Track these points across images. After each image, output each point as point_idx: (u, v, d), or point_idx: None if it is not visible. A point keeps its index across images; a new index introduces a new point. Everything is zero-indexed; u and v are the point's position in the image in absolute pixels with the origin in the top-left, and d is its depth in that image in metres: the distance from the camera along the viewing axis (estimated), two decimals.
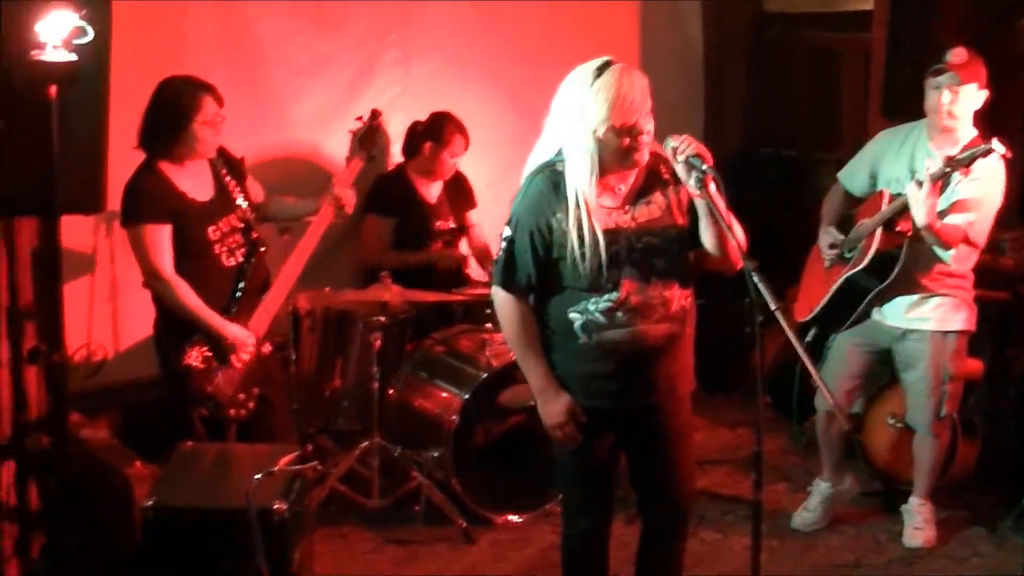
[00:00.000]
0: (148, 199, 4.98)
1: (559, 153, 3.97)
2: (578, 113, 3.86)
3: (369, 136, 5.86)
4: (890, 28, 7.16)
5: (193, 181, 5.11)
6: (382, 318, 5.65)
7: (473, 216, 6.58)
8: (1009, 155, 5.00)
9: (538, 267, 3.99)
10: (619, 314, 3.97)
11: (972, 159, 4.97)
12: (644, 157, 3.93)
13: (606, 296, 3.96)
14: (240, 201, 5.23)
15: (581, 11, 7.22)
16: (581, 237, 3.91)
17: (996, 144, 4.95)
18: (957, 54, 5.17)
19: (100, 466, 4.94)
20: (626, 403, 4.09)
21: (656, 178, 4.03)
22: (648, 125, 3.89)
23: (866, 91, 7.31)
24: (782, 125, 7.91)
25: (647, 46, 7.38)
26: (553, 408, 4.06)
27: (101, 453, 5.09)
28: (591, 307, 3.98)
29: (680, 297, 4.04)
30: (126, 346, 5.91)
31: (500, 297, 4.07)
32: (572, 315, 4.00)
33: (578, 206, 3.91)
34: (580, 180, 3.91)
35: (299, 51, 6.44)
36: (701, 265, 4.13)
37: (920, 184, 4.99)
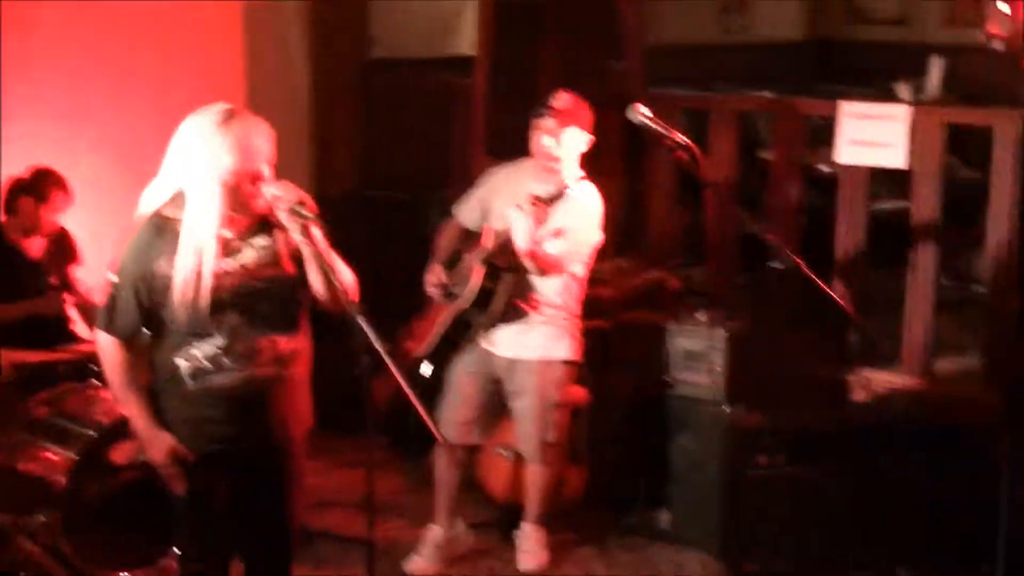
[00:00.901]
0: None
1: (175, 197, 3.95)
2: (204, 158, 3.88)
3: None
4: (491, 72, 7.41)
5: None
6: None
7: (78, 272, 6.42)
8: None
9: (141, 313, 4.00)
10: (225, 359, 3.98)
11: (551, 199, 5.21)
12: (261, 204, 3.95)
13: (211, 341, 3.97)
14: None
15: (187, 58, 7.18)
16: (186, 282, 3.90)
17: (572, 185, 5.20)
18: (559, 99, 5.41)
19: None
20: (236, 446, 4.10)
21: (264, 223, 4.05)
22: (266, 171, 3.94)
23: (470, 132, 7.52)
24: (390, 167, 8.03)
25: (253, 86, 7.37)
26: (154, 450, 4.07)
27: None
28: (197, 352, 3.98)
29: (287, 341, 4.07)
30: None
31: (103, 340, 4.07)
32: (178, 360, 3.99)
33: (194, 252, 3.90)
34: (202, 226, 3.90)
35: None
36: (316, 305, 4.17)
37: (520, 208, 5.19)
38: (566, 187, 5.28)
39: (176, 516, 4.23)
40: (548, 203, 5.27)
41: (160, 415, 4.08)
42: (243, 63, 7.50)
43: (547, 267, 5.33)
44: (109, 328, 4.04)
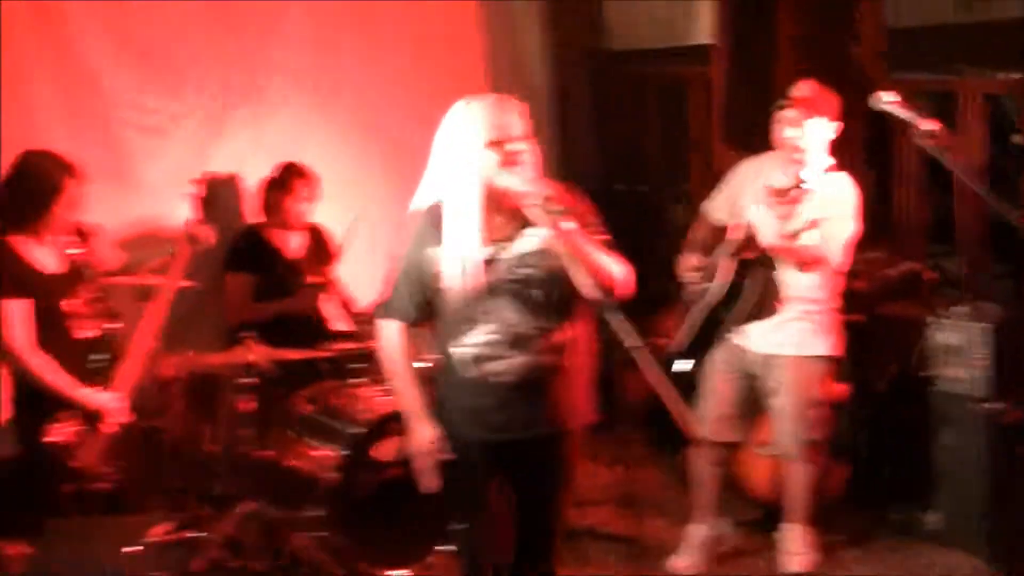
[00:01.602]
0: (2, 274, 4.89)
1: (441, 189, 4.00)
2: (457, 139, 3.94)
3: (208, 198, 5.78)
4: (730, 60, 7.31)
5: (45, 253, 5.03)
6: (249, 379, 5.58)
7: (335, 270, 6.54)
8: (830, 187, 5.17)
9: (419, 302, 4.07)
10: (499, 347, 4.00)
11: (799, 192, 5.08)
12: (524, 180, 3.92)
13: (485, 330, 4.00)
14: (90, 273, 5.15)
15: (430, 56, 7.28)
16: (459, 270, 3.95)
17: (809, 176, 5.08)
18: (802, 88, 5.32)
19: None
20: (511, 435, 4.10)
21: None
22: (526, 148, 3.95)
23: (708, 123, 7.44)
24: (629, 160, 8.02)
25: (495, 87, 7.41)
26: (419, 436, 4.14)
27: None
28: (471, 341, 4.02)
29: (561, 330, 4.07)
30: None
31: (383, 328, 4.16)
32: (454, 350, 4.04)
33: (458, 238, 3.94)
34: (462, 208, 3.94)
35: (149, 113, 6.40)
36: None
37: (761, 206, 5.12)
38: (815, 178, 5.16)
39: (450, 503, 4.26)
40: (797, 195, 5.16)
41: (437, 404, 4.14)
42: (483, 62, 7.56)
43: (799, 262, 5.24)
44: (389, 316, 4.15)
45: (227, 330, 6.26)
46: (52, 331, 4.98)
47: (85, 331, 5.10)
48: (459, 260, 3.96)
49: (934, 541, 5.78)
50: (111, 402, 5.02)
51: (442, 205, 3.99)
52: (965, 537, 5.66)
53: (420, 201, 4.08)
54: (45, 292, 4.97)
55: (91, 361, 5.10)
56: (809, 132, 5.28)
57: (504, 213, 4.00)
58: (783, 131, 5.32)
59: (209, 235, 5.51)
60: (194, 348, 5.77)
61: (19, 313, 4.89)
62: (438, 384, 4.15)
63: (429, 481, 4.15)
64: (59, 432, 4.95)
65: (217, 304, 6.34)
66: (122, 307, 5.35)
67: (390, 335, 4.16)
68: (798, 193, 5.10)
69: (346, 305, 6.49)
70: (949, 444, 5.76)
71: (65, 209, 5.02)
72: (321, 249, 6.53)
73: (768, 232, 5.14)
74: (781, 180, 5.20)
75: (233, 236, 6.38)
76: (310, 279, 6.41)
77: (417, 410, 4.14)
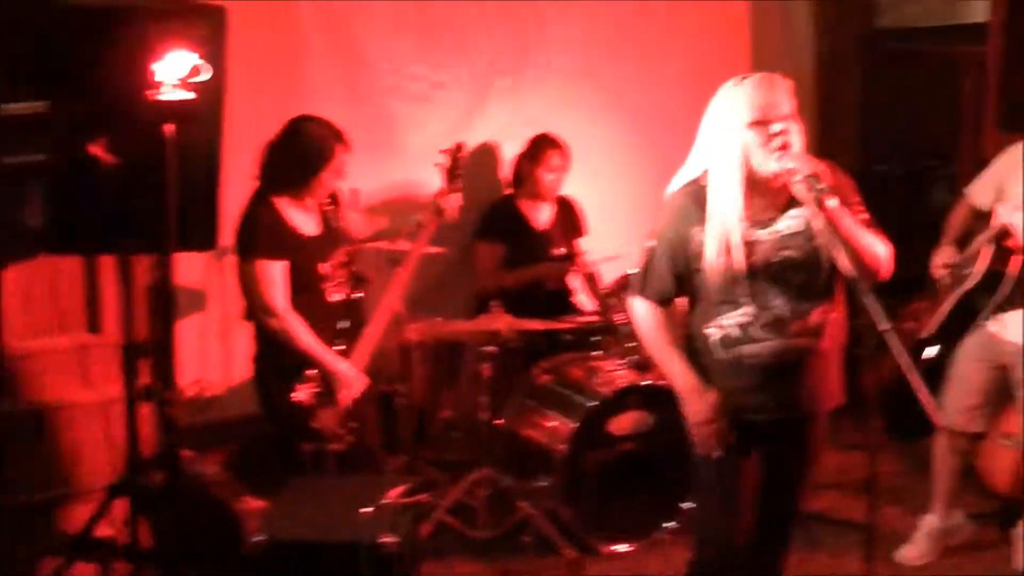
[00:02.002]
0: (264, 234, 5.04)
1: (705, 168, 3.97)
2: (723, 118, 3.90)
3: (454, 169, 5.87)
4: (1007, 39, 7.03)
5: (304, 216, 5.17)
6: (492, 347, 5.67)
7: (583, 244, 6.58)
8: None
9: (675, 278, 4.03)
10: (755, 329, 3.96)
11: None
12: (791, 160, 3.85)
13: (742, 310, 3.96)
14: (345, 235, 5.30)
15: (693, 31, 7.24)
16: (720, 249, 3.91)
17: None
18: None
19: (211, 501, 5.02)
20: (766, 416, 4.07)
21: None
22: (794, 128, 3.88)
23: (982, 104, 7.18)
24: (896, 141, 7.81)
25: (759, 62, 7.32)
26: (698, 406, 4.05)
27: (212, 488, 5.15)
28: (727, 321, 3.98)
29: (819, 312, 4.01)
30: (236, 381, 6.01)
31: (637, 306, 4.13)
32: (708, 330, 4.01)
33: (720, 217, 3.91)
34: (725, 187, 3.90)
35: (414, 80, 6.55)
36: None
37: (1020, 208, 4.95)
38: None
39: (704, 490, 4.22)
40: None
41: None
42: (749, 36, 7.47)
43: None
44: (643, 293, 4.10)
45: (474, 298, 6.38)
46: (307, 293, 5.11)
47: (336, 295, 5.23)
48: (722, 240, 3.91)
49: None
50: (350, 372, 5.15)
51: (705, 185, 3.96)
52: None
53: (680, 180, 4.06)
54: (303, 254, 5.10)
55: (341, 325, 5.22)
56: None
57: (768, 194, 3.95)
58: None
59: (454, 205, 5.58)
60: (440, 315, 5.89)
61: (277, 273, 5.04)
62: (696, 365, 4.09)
63: (712, 448, 4.06)
64: (302, 393, 5.09)
65: (465, 272, 6.45)
66: (371, 273, 5.46)
67: (644, 314, 4.11)
68: None
69: (591, 279, 6.51)
70: None
71: (332, 175, 5.14)
72: (570, 222, 6.57)
73: None
74: None
75: (486, 206, 6.48)
76: (558, 251, 6.47)
77: (689, 381, 4.06)
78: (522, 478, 5.67)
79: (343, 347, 5.19)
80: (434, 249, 5.68)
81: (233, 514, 4.93)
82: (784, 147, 3.84)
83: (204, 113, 4.36)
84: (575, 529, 5.52)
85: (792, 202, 3.95)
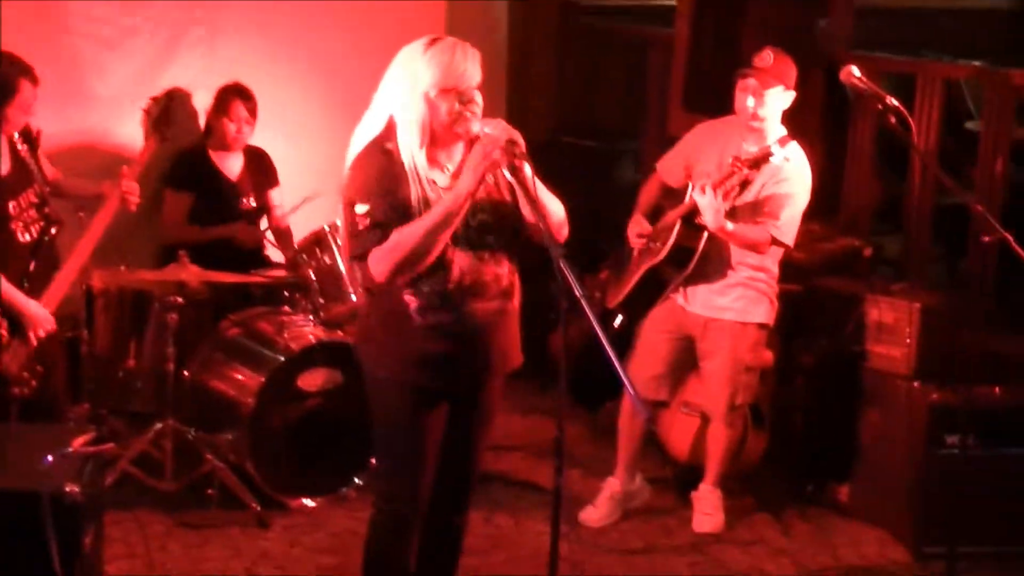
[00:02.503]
0: None
1: (387, 126, 3.94)
2: (410, 79, 3.87)
3: (163, 118, 5.72)
4: (693, 24, 7.28)
5: None
6: (179, 298, 5.55)
7: (275, 196, 6.50)
8: (788, 159, 5.21)
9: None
10: (452, 294, 3.97)
11: (755, 162, 5.15)
12: (474, 128, 3.88)
13: (438, 275, 3.95)
14: (36, 175, 5.09)
15: None
16: (419, 210, 3.89)
17: (775, 147, 5.12)
18: (763, 57, 5.31)
19: None
20: (458, 382, 4.10)
21: None
22: (478, 97, 3.90)
23: (667, 84, 7.42)
24: (586, 115, 7.99)
25: (452, 26, 7.35)
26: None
27: None
28: (424, 287, 3.96)
29: (509, 273, 4.07)
30: None
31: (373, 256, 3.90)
32: (407, 297, 3.97)
33: (417, 181, 3.90)
34: (411, 147, 3.90)
35: (103, 23, 6.36)
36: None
37: (704, 189, 5.14)
38: (770, 150, 5.18)
39: (387, 448, 4.19)
40: (753, 166, 5.20)
41: (386, 349, 4.06)
42: (444, 4, 7.50)
43: (748, 244, 5.30)
44: (362, 257, 3.95)
45: (161, 248, 6.23)
46: None
47: (26, 235, 5.04)
48: (418, 201, 3.89)
49: (846, 513, 5.80)
50: (40, 311, 4.97)
51: (390, 147, 3.93)
52: (878, 512, 5.69)
53: (362, 139, 3.99)
54: None
55: (31, 266, 5.03)
56: (768, 102, 5.27)
57: (452, 159, 3.98)
58: (743, 99, 5.31)
59: (143, 157, 5.46)
60: (126, 263, 5.73)
61: None
62: (385, 327, 4.06)
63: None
64: None
65: (153, 221, 6.29)
66: (65, 216, 5.27)
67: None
68: (761, 163, 5.13)
69: (282, 232, 6.44)
70: (873, 421, 5.77)
71: (18, 111, 4.97)
72: (261, 173, 6.48)
73: (712, 217, 5.17)
74: (749, 149, 5.21)
75: (177, 153, 6.33)
76: (247, 203, 6.38)
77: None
78: (208, 431, 5.58)
79: (30, 289, 5.01)
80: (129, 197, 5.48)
81: None
82: (472, 113, 3.88)
83: None
84: (260, 484, 5.47)
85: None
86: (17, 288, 4.95)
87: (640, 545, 5.49)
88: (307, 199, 6.20)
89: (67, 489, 3.94)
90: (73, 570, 3.89)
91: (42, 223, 5.08)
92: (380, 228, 3.89)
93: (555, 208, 3.98)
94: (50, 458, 3.86)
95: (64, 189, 5.39)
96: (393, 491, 4.21)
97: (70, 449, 4.05)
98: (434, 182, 3.95)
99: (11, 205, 4.96)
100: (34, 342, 4.99)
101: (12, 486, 4.00)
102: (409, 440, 4.12)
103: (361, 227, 3.92)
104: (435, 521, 4.29)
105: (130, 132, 6.18)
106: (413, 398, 4.06)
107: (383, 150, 3.95)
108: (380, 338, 4.09)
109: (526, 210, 3.93)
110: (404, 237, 3.87)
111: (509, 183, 3.96)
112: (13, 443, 4.44)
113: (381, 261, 3.88)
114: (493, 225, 4.01)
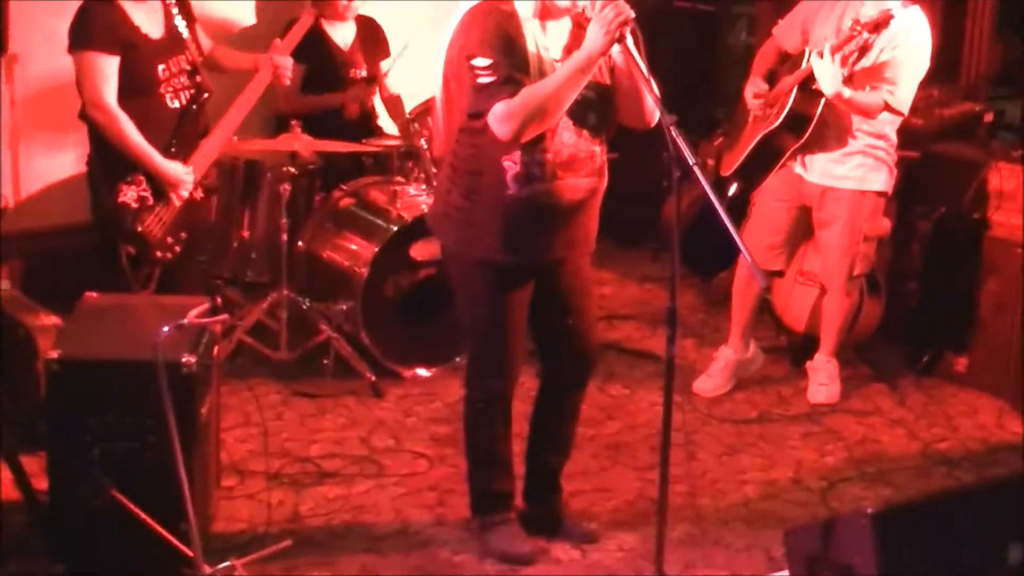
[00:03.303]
0: (100, 27, 4.83)
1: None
2: None
3: None
4: None
5: (147, 16, 4.97)
6: (291, 168, 5.57)
7: (386, 66, 6.45)
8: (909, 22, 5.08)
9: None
10: (550, 166, 3.94)
11: (875, 25, 5.01)
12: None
13: (540, 146, 3.92)
14: (190, 43, 5.11)
15: None
16: (535, 72, 3.85)
17: (896, 10, 4.97)
18: None
19: (2, 317, 4.84)
20: (546, 256, 4.10)
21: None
22: None
23: None
24: None
25: None
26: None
27: (2, 304, 4.96)
28: (524, 157, 3.93)
29: (603, 152, 4.05)
30: (28, 194, 5.80)
31: (500, 111, 3.84)
32: (506, 163, 3.95)
33: (535, 45, 3.87)
34: (527, 11, 3.88)
35: None
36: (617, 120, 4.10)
37: (821, 55, 5.02)
38: (890, 14, 5.03)
39: (474, 326, 4.22)
40: (873, 29, 5.05)
41: (471, 226, 4.05)
42: None
43: (863, 111, 5.19)
44: (480, 115, 3.88)
45: (274, 118, 6.23)
46: (143, 95, 4.93)
47: (175, 101, 5.04)
48: (535, 63, 3.86)
49: (962, 383, 5.75)
50: (179, 172, 5.01)
51: (506, 8, 3.89)
52: (995, 382, 5.62)
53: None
54: (142, 54, 4.91)
55: (178, 132, 5.05)
56: None
57: (569, 31, 3.95)
58: None
59: (299, 32, 5.56)
60: (238, 133, 5.74)
61: (110, 68, 4.83)
62: (471, 200, 4.04)
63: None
64: (130, 196, 4.93)
65: (266, 91, 6.27)
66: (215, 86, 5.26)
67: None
68: (881, 26, 4.99)
69: (395, 102, 6.41)
70: (992, 289, 5.68)
71: None
72: (372, 43, 6.43)
73: (830, 83, 5.05)
74: (869, 12, 5.07)
75: (288, 25, 6.29)
76: (358, 73, 6.35)
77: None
78: (322, 301, 5.62)
79: (176, 153, 5.03)
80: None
81: (24, 331, 4.77)
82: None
83: None
84: (374, 353, 5.51)
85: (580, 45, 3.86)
86: (163, 153, 4.98)
87: (754, 415, 5.48)
88: (405, 47, 6.17)
89: (183, 359, 4.00)
90: (191, 439, 3.94)
91: (192, 91, 5.08)
92: (511, 84, 3.83)
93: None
94: (166, 329, 3.88)
95: (218, 61, 5.39)
96: (483, 371, 4.24)
97: (185, 321, 4.08)
98: (547, 49, 3.91)
99: (160, 68, 4.97)
100: (177, 205, 5.02)
101: (128, 356, 4.05)
102: (495, 318, 4.13)
103: (485, 81, 3.86)
104: (554, 393, 4.33)
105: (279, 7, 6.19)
106: (498, 276, 4.07)
107: (499, 9, 3.91)
108: (464, 214, 4.06)
109: (625, 87, 3.89)
110: (534, 93, 3.82)
111: (608, 65, 3.93)
112: (129, 314, 4.50)
113: (511, 117, 3.82)
114: (594, 102, 3.98)
